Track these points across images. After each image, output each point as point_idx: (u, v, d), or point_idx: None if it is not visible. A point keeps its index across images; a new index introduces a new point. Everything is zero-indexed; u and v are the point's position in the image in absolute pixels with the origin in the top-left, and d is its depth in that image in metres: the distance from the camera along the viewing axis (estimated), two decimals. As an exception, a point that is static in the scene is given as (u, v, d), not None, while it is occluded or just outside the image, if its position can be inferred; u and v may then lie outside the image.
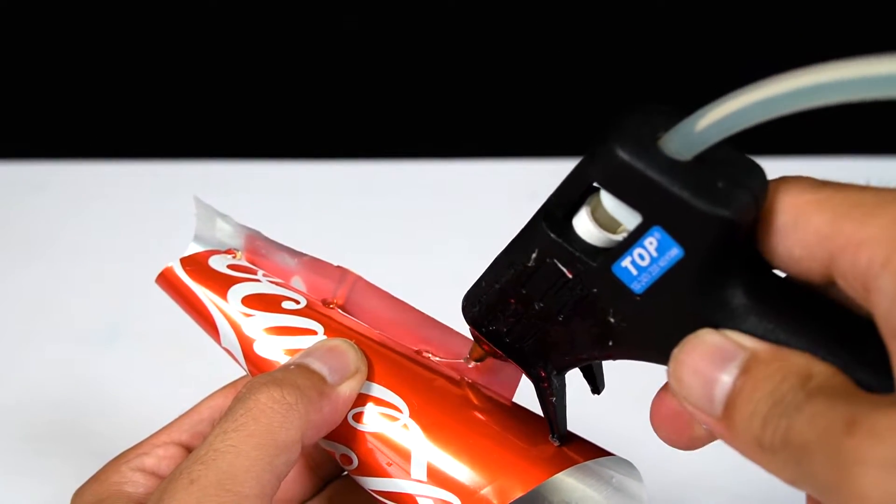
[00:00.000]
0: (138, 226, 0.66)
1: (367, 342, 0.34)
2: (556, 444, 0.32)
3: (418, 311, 0.35)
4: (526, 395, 0.35)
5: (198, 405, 0.37)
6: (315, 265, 0.37)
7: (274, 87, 0.80)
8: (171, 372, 0.56)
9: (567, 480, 0.34)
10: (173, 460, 0.35)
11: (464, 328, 0.35)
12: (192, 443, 0.36)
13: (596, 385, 0.33)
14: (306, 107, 0.79)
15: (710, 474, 0.50)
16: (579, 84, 0.80)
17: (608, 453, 0.33)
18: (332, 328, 0.34)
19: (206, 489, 0.28)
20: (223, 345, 0.36)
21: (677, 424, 0.29)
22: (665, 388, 0.29)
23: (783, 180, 0.27)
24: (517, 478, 0.31)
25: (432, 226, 0.65)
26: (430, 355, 0.35)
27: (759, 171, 0.27)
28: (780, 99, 0.24)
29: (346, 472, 0.34)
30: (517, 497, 0.30)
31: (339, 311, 0.36)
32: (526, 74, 0.81)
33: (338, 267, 0.36)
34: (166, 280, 0.37)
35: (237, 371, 0.58)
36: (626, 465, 0.33)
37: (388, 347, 0.34)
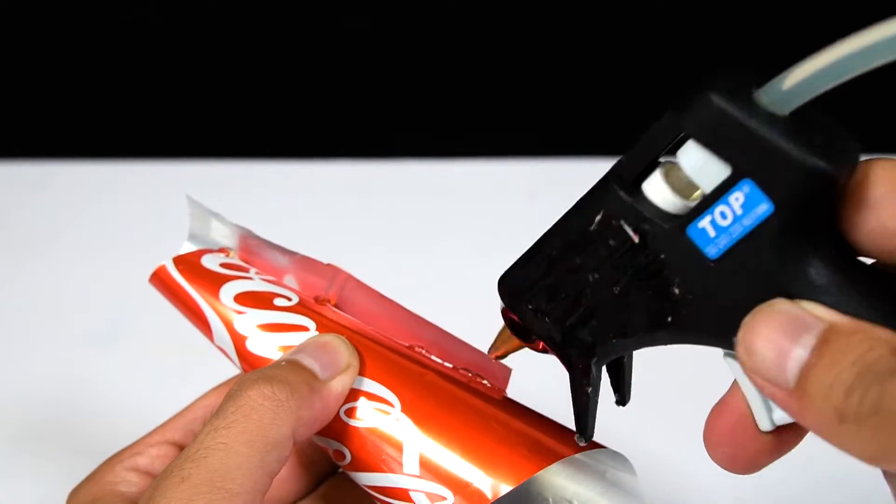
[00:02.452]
0: (138, 226, 0.66)
1: (359, 338, 0.34)
2: (582, 443, 0.31)
3: (408, 310, 0.35)
4: (518, 390, 0.35)
5: (191, 404, 0.37)
6: (306, 263, 0.37)
7: (274, 87, 0.80)
8: (170, 372, 0.56)
9: (559, 474, 0.33)
10: (167, 459, 0.35)
11: (462, 332, 0.35)
12: (186, 442, 0.36)
13: (623, 394, 0.32)
14: (306, 107, 0.79)
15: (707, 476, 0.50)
16: (579, 84, 0.80)
17: (600, 446, 0.33)
18: (324, 324, 0.34)
19: (196, 487, 0.28)
20: (216, 343, 0.36)
21: (737, 440, 0.27)
22: (720, 404, 0.28)
23: (875, 159, 0.26)
24: (509, 471, 0.31)
25: (432, 226, 0.65)
26: (422, 350, 0.35)
27: (853, 140, 0.26)
28: (876, 48, 0.24)
29: (340, 469, 0.34)
30: (509, 490, 0.30)
31: (332, 307, 0.36)
32: (526, 74, 0.81)
33: (328, 265, 0.36)
34: (159, 279, 0.37)
35: (235, 371, 0.58)
36: (620, 459, 0.33)
37: (380, 343, 0.34)
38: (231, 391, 0.30)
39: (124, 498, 0.33)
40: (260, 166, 0.70)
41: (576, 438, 0.31)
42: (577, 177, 0.72)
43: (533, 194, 0.67)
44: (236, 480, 0.28)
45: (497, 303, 0.31)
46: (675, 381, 0.55)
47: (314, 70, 0.80)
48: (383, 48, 0.81)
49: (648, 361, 0.57)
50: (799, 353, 0.24)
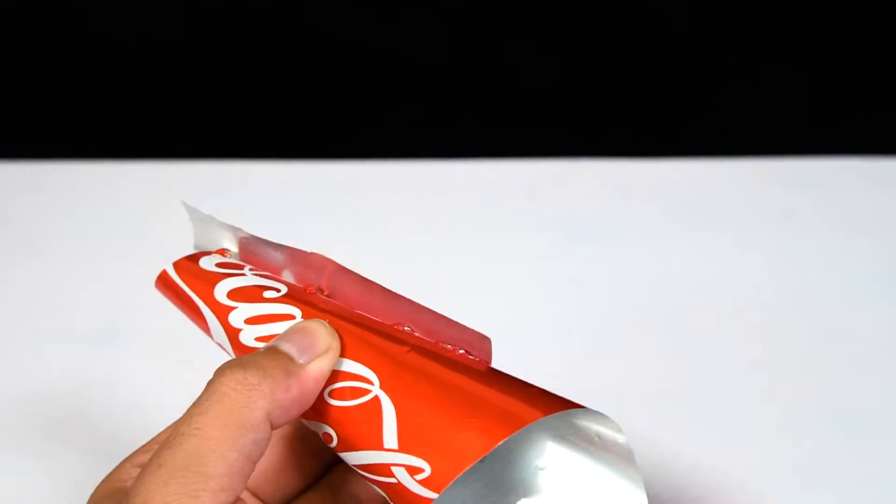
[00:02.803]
0: (138, 226, 0.66)
1: (342, 322, 0.35)
2: None
3: (392, 291, 0.36)
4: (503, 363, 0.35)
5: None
6: (298, 256, 0.38)
7: (274, 87, 0.80)
8: (170, 372, 0.56)
9: (541, 436, 0.34)
10: None
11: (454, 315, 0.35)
12: None
13: None
14: (305, 107, 0.79)
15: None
16: (579, 84, 0.80)
17: (579, 405, 0.32)
18: (309, 312, 0.35)
19: (172, 471, 0.29)
20: (215, 340, 0.37)
21: None
22: None
23: None
24: (481, 436, 0.30)
25: (432, 226, 0.65)
26: (407, 329, 0.35)
27: None
28: None
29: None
30: (482, 456, 0.30)
31: (324, 296, 0.37)
32: (526, 74, 0.81)
33: (316, 255, 0.37)
34: (163, 283, 0.39)
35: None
36: (605, 420, 0.33)
37: (363, 325, 0.35)
38: (209, 380, 0.31)
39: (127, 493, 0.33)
40: (260, 166, 0.70)
41: None
42: (577, 177, 0.73)
43: (533, 194, 0.67)
44: (210, 464, 0.29)
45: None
46: (685, 372, 0.55)
47: (314, 70, 0.80)
48: (383, 48, 0.81)
49: (658, 353, 0.57)
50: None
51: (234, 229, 0.39)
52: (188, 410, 0.31)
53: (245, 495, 0.35)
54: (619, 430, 0.32)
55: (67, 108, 0.79)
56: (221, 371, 0.31)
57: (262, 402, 0.31)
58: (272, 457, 0.37)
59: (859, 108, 0.77)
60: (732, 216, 0.65)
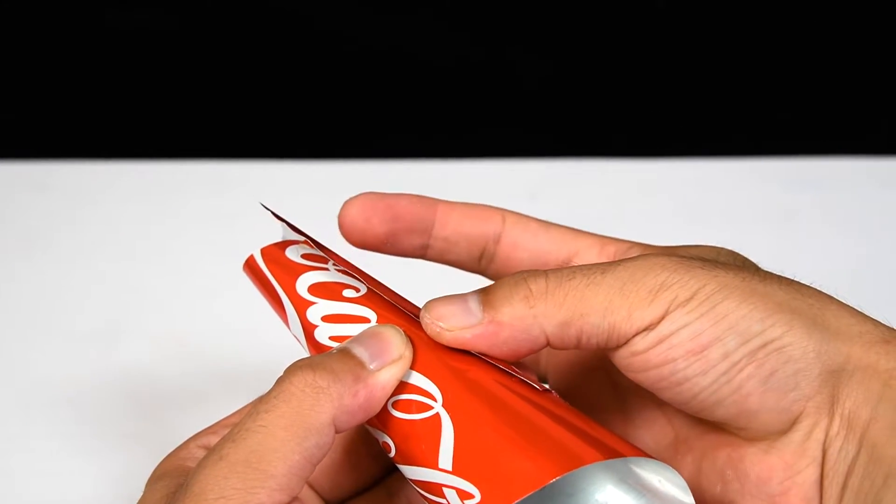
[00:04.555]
0: (138, 226, 0.66)
1: (415, 330, 0.34)
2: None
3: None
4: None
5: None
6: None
7: (274, 87, 0.80)
8: (170, 372, 0.56)
9: (601, 476, 0.32)
10: None
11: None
12: None
13: None
14: (305, 107, 0.79)
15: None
16: (580, 85, 0.80)
17: (642, 452, 0.31)
18: (384, 316, 0.35)
19: (233, 465, 0.29)
20: (292, 331, 0.36)
21: None
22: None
23: None
24: (537, 470, 0.30)
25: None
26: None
27: None
28: None
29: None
30: (534, 490, 0.29)
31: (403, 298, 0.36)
32: (526, 75, 0.81)
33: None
34: (249, 268, 0.38)
35: (235, 370, 0.58)
36: (667, 470, 0.31)
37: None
38: (279, 377, 0.31)
39: (188, 472, 0.33)
40: (260, 166, 0.70)
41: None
42: (577, 177, 0.72)
43: (533, 194, 0.67)
44: (272, 463, 0.29)
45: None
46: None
47: (314, 70, 0.81)
48: (383, 48, 0.81)
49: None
50: (472, 297, 0.32)
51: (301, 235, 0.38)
52: (255, 405, 0.30)
53: (304, 491, 0.35)
54: (685, 487, 0.31)
55: (68, 108, 0.79)
56: (292, 371, 0.31)
57: (328, 406, 0.30)
58: (332, 454, 0.36)
59: (860, 109, 0.77)
60: (732, 216, 0.65)
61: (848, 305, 0.33)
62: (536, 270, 0.33)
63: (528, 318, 0.32)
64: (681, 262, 0.32)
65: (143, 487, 0.34)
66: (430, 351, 0.33)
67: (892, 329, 0.32)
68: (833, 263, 0.61)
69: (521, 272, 0.33)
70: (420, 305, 0.34)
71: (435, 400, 0.32)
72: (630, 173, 0.68)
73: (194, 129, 0.77)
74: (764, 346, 0.31)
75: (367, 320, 0.35)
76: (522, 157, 0.70)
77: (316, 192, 0.68)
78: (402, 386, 0.32)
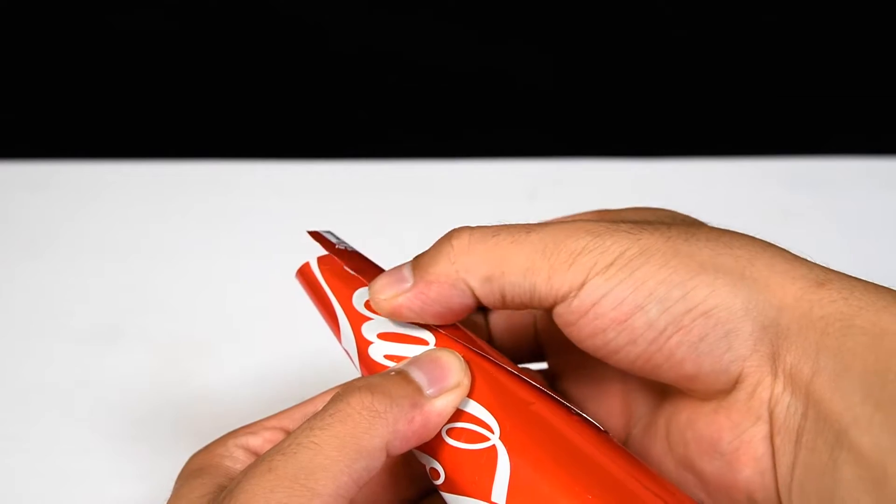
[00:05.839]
0: (138, 226, 0.66)
1: (474, 356, 0.33)
2: None
3: None
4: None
5: (313, 398, 0.36)
6: None
7: (273, 87, 0.80)
8: (170, 372, 0.56)
9: None
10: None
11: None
12: None
13: None
14: (305, 107, 0.79)
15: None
16: (579, 85, 0.80)
17: None
18: (443, 339, 0.34)
19: (281, 479, 0.28)
20: (343, 345, 0.35)
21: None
22: None
23: None
24: None
25: (432, 226, 0.65)
26: (533, 379, 0.34)
27: None
28: None
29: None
30: None
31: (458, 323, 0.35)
32: (525, 74, 0.81)
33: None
34: (303, 275, 0.37)
35: (236, 370, 0.58)
36: None
37: (494, 362, 0.33)
38: (336, 394, 0.31)
39: (227, 472, 0.33)
40: (260, 166, 0.70)
41: None
42: (577, 177, 0.72)
43: (533, 194, 0.67)
44: (320, 481, 0.28)
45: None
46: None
47: (314, 70, 0.80)
48: (383, 48, 0.81)
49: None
50: (406, 265, 0.33)
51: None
52: (310, 421, 0.30)
53: None
54: None
55: (68, 108, 0.79)
56: (349, 390, 0.30)
57: (383, 431, 0.30)
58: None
59: (860, 109, 0.77)
60: (732, 216, 0.64)
61: (783, 250, 0.32)
62: (463, 227, 0.33)
63: (452, 274, 0.32)
64: (606, 227, 0.31)
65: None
66: (489, 380, 0.32)
67: (828, 270, 0.31)
68: (833, 263, 0.60)
69: (450, 230, 0.33)
70: None
71: (492, 431, 0.31)
72: (630, 173, 0.68)
73: (194, 129, 0.77)
74: (689, 311, 0.30)
75: (424, 342, 0.34)
76: (522, 157, 0.70)
77: (316, 192, 0.68)
78: (458, 414, 0.32)
